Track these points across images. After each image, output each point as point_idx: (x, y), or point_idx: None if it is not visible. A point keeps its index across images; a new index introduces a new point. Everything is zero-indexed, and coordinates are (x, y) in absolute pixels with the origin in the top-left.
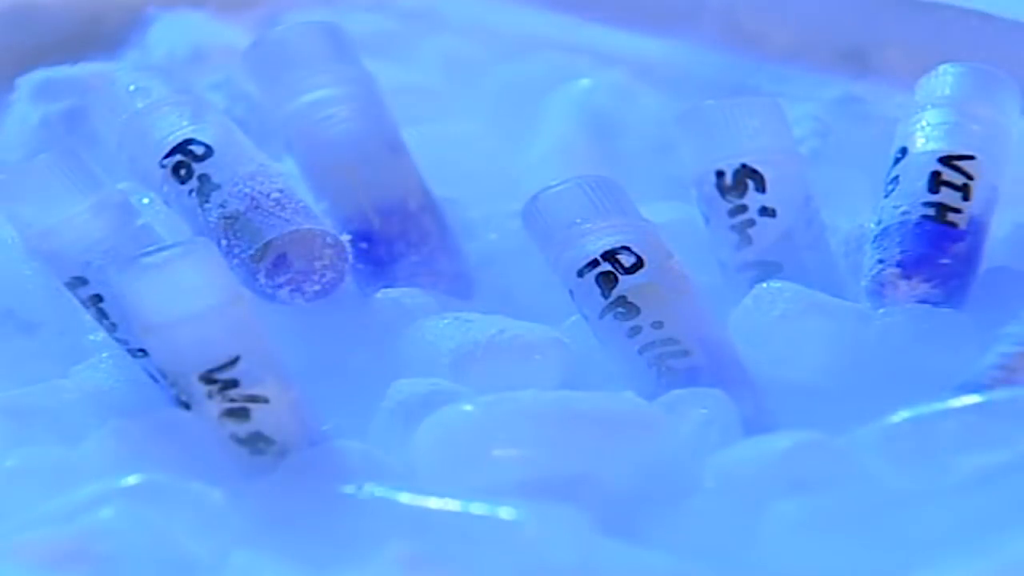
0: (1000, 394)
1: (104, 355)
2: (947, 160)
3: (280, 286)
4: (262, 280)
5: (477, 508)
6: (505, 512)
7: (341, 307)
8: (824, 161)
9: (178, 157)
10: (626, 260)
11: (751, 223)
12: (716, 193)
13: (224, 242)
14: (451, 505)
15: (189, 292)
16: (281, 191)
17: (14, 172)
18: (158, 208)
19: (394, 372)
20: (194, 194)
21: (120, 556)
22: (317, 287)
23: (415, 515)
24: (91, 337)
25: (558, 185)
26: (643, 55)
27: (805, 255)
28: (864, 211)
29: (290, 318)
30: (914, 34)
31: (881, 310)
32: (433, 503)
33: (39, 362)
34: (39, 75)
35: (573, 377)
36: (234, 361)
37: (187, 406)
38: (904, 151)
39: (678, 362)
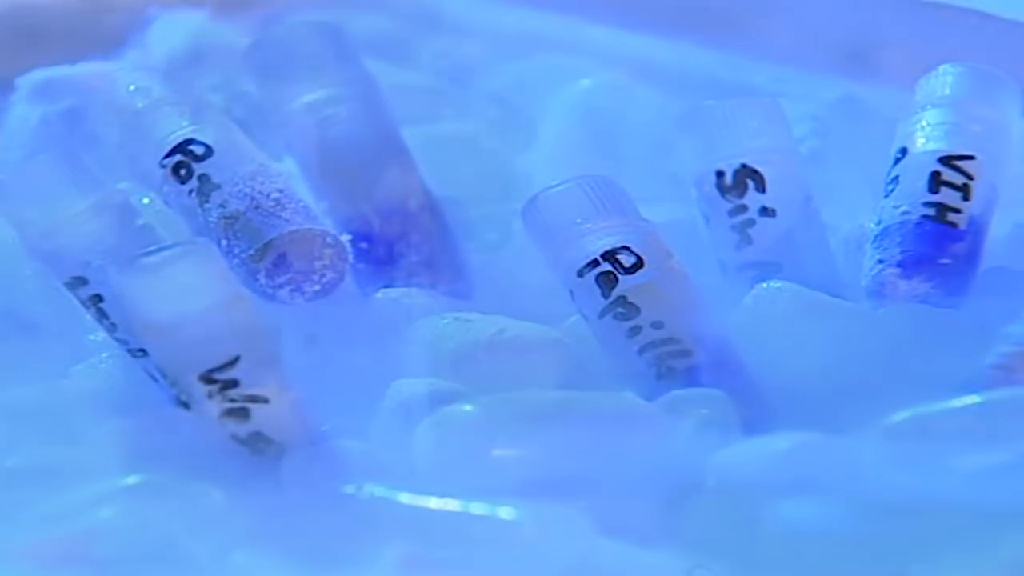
0: (1000, 394)
1: (104, 355)
2: (947, 160)
3: (280, 286)
4: (262, 280)
5: (477, 508)
6: (505, 512)
7: (341, 307)
8: (824, 161)
9: (178, 157)
10: (626, 260)
11: (751, 223)
12: (716, 193)
13: (224, 242)
14: (451, 505)
15: (189, 292)
16: (281, 191)
17: (14, 172)
18: (158, 208)
19: (394, 372)
20: (194, 194)
21: (120, 556)
22: (317, 287)
23: (415, 515)
24: (91, 337)
25: (558, 185)
26: (643, 55)
27: (805, 255)
28: (864, 211)
29: (290, 318)
30: (914, 34)
31: (881, 310)
32: (433, 503)
33: (39, 362)
34: (39, 75)
35: (573, 377)
36: (234, 361)
37: (187, 406)
38: (904, 151)
39: (678, 362)
